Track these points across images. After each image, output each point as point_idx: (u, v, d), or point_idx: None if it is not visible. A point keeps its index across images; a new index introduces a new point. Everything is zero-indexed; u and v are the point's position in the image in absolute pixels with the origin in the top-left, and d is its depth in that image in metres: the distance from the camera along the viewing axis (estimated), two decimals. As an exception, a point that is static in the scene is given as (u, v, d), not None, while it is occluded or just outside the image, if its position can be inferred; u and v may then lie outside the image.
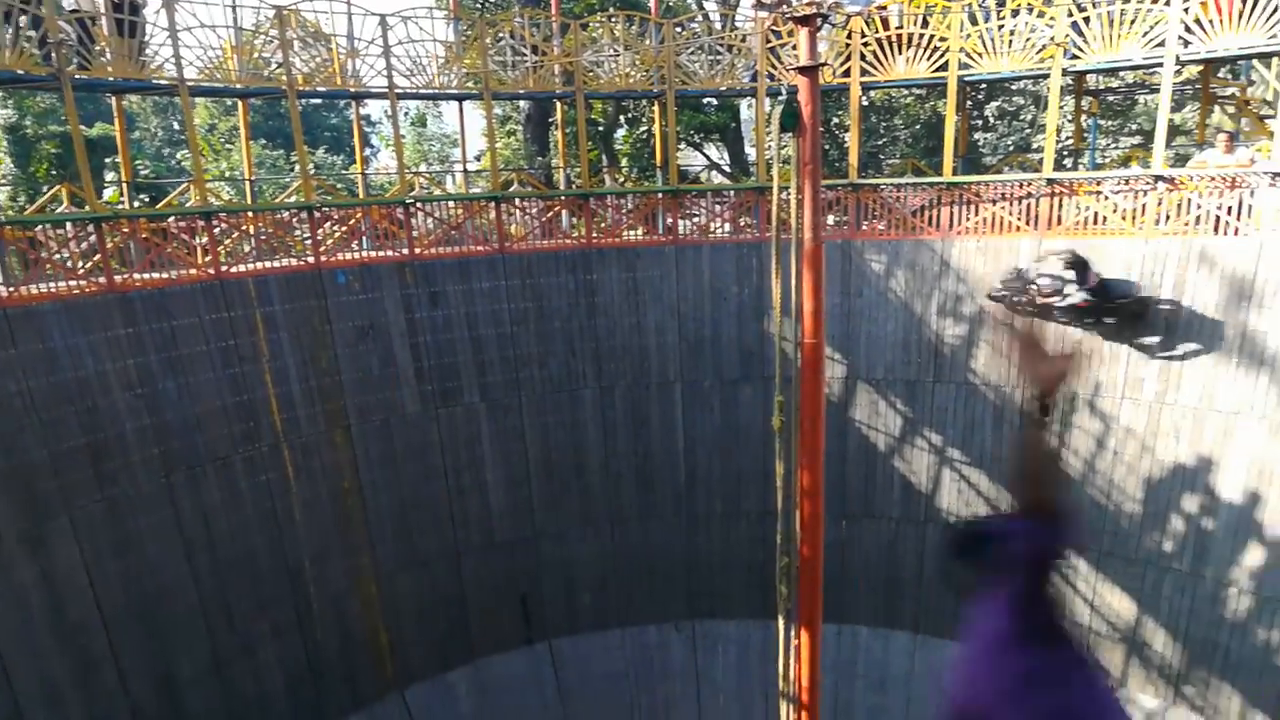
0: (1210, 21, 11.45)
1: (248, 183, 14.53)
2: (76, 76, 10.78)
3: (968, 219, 13.56)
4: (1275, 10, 10.88)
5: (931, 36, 13.45)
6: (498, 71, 14.28)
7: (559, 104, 16.61)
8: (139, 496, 10.73)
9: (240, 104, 14.20)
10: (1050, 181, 12.90)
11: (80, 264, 10.98)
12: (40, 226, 11.02)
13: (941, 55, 13.41)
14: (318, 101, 35.16)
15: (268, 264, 12.64)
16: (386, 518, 13.38)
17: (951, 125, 13.88)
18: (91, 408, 10.29)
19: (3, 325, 9.57)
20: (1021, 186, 13.28)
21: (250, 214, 12.96)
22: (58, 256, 10.86)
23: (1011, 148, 23.49)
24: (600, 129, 23.43)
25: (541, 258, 14.30)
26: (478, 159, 24.37)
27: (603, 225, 15.08)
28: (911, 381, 13.90)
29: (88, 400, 10.26)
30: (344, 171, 28.46)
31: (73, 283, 10.57)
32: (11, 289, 9.99)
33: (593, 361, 14.50)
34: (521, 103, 22.04)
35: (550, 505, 14.61)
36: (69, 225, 11.17)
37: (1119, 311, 12.12)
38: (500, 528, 14.33)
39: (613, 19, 14.96)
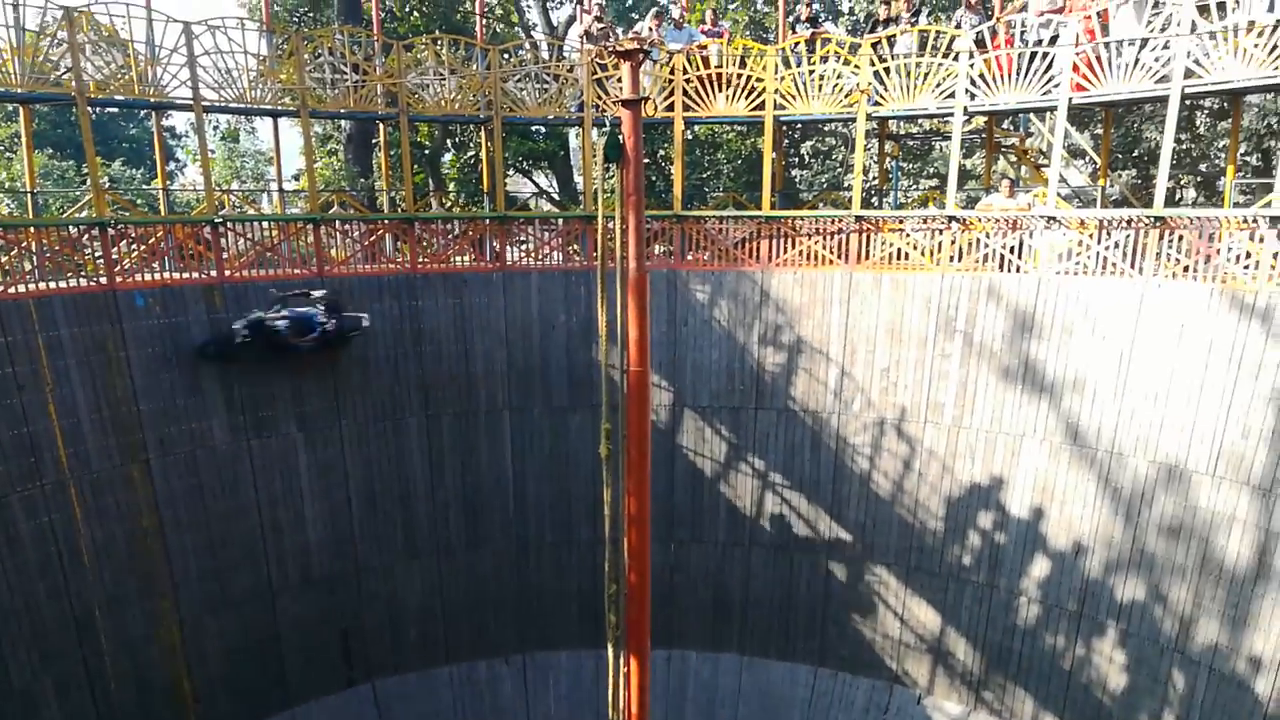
0: (993, 78, 12.61)
1: (29, 195, 13.27)
2: None
3: (786, 251, 14.21)
4: (1045, 71, 12.13)
5: (749, 77, 14.10)
6: (316, 88, 13.76)
7: (382, 125, 16.19)
8: (-109, 545, 9.49)
9: (22, 109, 12.99)
10: (859, 218, 13.73)
11: None
12: None
13: (759, 95, 14.08)
14: (114, 110, 32.69)
15: (52, 284, 11.55)
16: (192, 557, 12.43)
17: (769, 162, 14.55)
18: None
19: None
20: (834, 222, 14.07)
21: (32, 229, 11.82)
22: None
23: (825, 185, 24.89)
24: (427, 152, 23.02)
25: (364, 282, 13.82)
26: (295, 178, 23.36)
27: (429, 250, 14.76)
28: (735, 408, 14.36)
29: None
30: (144, 186, 26.55)
31: None
32: None
33: (419, 389, 14.11)
34: (343, 123, 21.33)
35: (373, 538, 14.04)
36: None
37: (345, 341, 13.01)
38: (319, 563, 13.63)
39: (438, 42, 14.76)
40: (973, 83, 12.76)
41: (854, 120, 14.10)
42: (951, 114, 13.23)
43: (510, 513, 14.75)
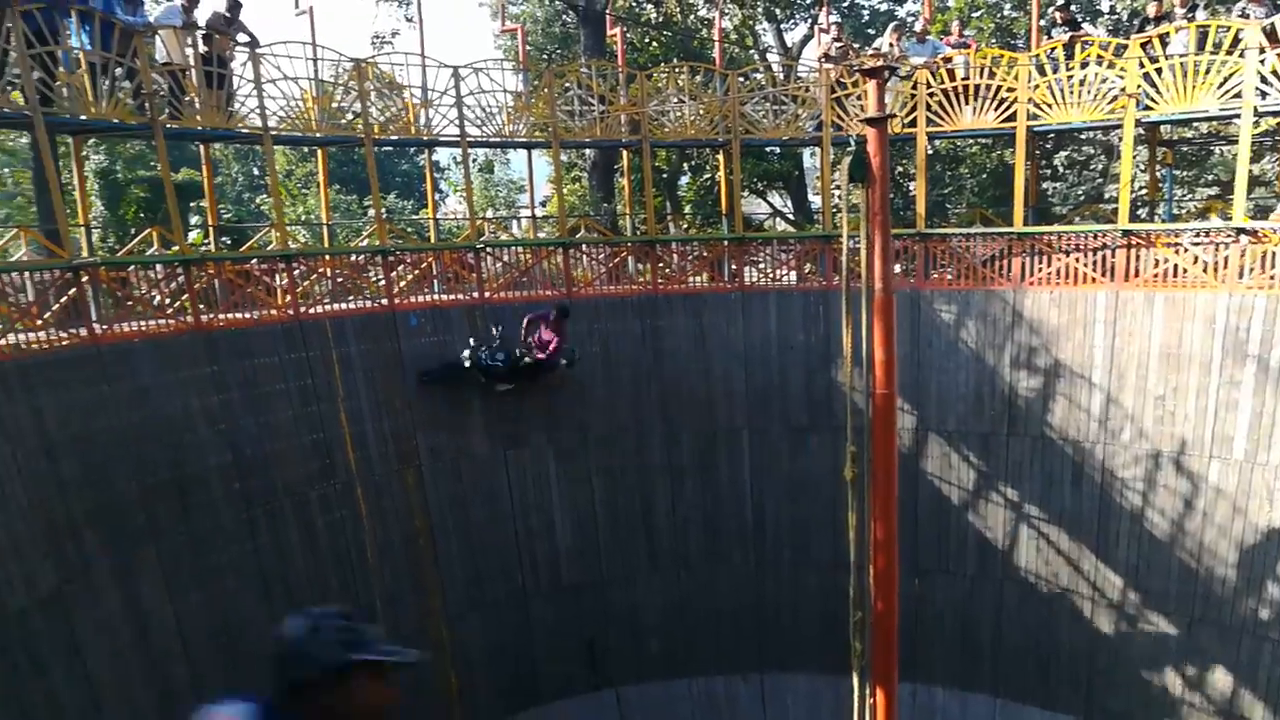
0: (1291, 73, 11.25)
1: (325, 227, 15.00)
2: (169, 126, 11.28)
3: (1040, 269, 13.36)
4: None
5: (998, 87, 13.42)
6: (565, 120, 14.58)
7: (624, 151, 16.88)
8: (220, 530, 10.97)
9: (319, 152, 14.72)
10: (1127, 233, 12.67)
11: (168, 303, 11.39)
12: (132, 267, 11.48)
13: (1009, 106, 13.36)
14: (390, 149, 36.25)
15: (343, 305, 12.98)
16: (456, 559, 13.46)
17: (1021, 175, 13.76)
18: (178, 443, 10.58)
19: (97, 361, 9.94)
20: (1096, 238, 13.07)
21: (327, 257, 13.34)
22: (148, 296, 11.28)
23: (1083, 198, 23.18)
24: (665, 176, 23.73)
25: (608, 303, 14.44)
26: (543, 205, 24.82)
27: (668, 271, 15.19)
28: (985, 434, 13.63)
29: (174, 436, 10.56)
30: (414, 216, 29.17)
31: (161, 321, 10.96)
32: (105, 327, 10.38)
33: (659, 407, 14.52)
34: (587, 151, 22.45)
35: (617, 550, 14.57)
36: (158, 267, 11.63)
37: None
38: (567, 572, 14.32)
39: (678, 70, 15.22)
40: (1264, 80, 11.44)
41: (1118, 127, 13.07)
42: (1237, 115, 11.94)
43: (749, 531, 14.80)
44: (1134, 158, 13.62)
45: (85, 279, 10.30)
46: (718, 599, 14.88)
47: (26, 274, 10.10)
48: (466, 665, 13.57)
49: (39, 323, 9.79)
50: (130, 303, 10.99)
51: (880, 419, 8.26)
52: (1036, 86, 13.19)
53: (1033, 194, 15.64)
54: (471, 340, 13.04)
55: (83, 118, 10.44)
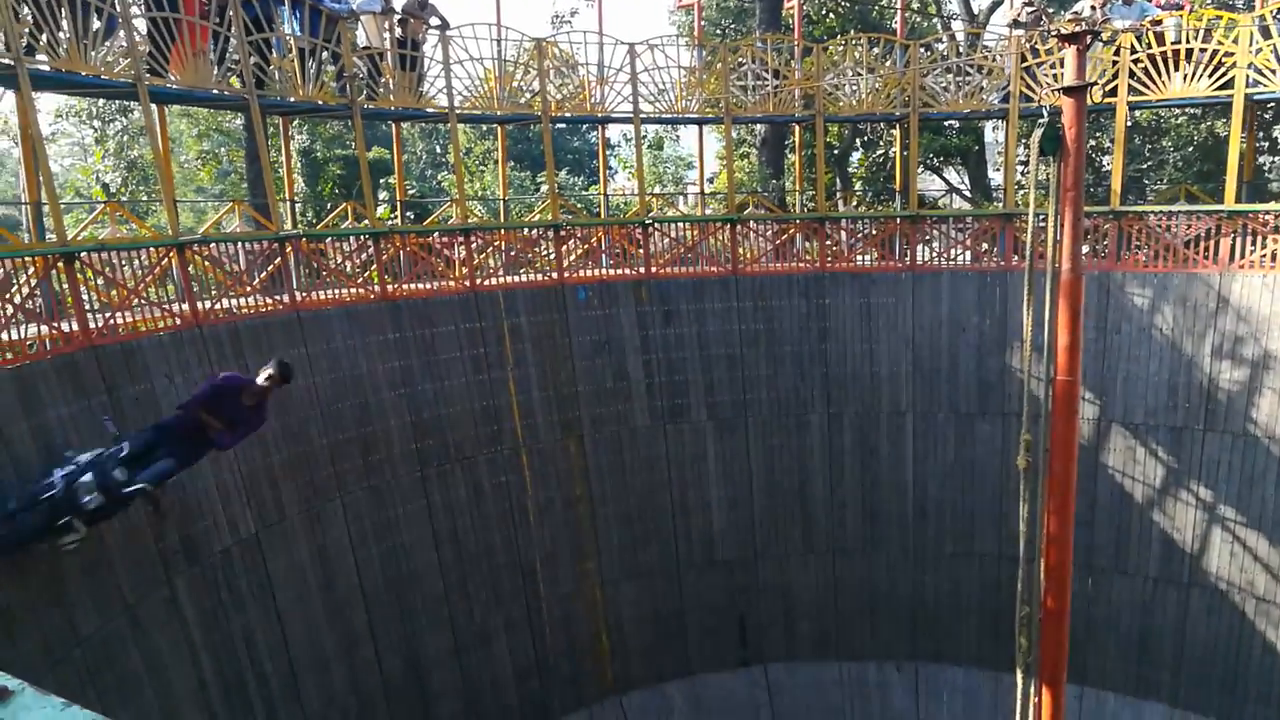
0: None
1: (502, 202, 15.61)
2: (365, 106, 12.04)
3: (1253, 252, 12.21)
4: None
5: (1215, 52, 12.27)
6: (738, 96, 14.49)
7: (796, 127, 16.60)
8: (398, 487, 11.74)
9: (499, 129, 15.30)
10: (1359, 211, 11.38)
11: (358, 273, 12.21)
12: (329, 239, 12.37)
13: (1226, 71, 12.20)
14: (562, 126, 37.19)
15: (515, 278, 13.50)
16: (613, 527, 13.84)
17: (1236, 148, 12.56)
18: (363, 404, 11.39)
19: (296, 326, 10.80)
20: (1321, 216, 11.80)
21: (502, 231, 13.89)
22: (341, 266, 12.13)
23: (1306, 173, 20.94)
24: (835, 152, 23.19)
25: (774, 280, 14.32)
26: (710, 181, 24.81)
27: (836, 249, 14.89)
28: (1177, 428, 12.65)
29: (360, 397, 11.37)
30: (583, 192, 29.84)
31: (352, 290, 11.77)
32: (304, 294, 11.26)
33: (821, 387, 14.31)
34: (758, 126, 22.23)
35: (772, 528, 14.54)
36: (351, 239, 12.47)
37: None
38: (721, 546, 14.43)
39: (855, 41, 14.79)
40: None
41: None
42: None
43: (909, 517, 14.41)
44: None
45: (289, 250, 11.20)
46: (873, 584, 14.60)
47: (240, 245, 11.06)
48: (619, 629, 13.96)
49: (247, 289, 10.73)
50: (325, 273, 11.86)
51: (1061, 407, 7.86)
52: (1259, 50, 11.98)
53: (1248, 169, 14.26)
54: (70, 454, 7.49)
55: (291, 100, 11.31)
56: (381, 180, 24.85)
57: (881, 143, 22.96)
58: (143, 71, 9.01)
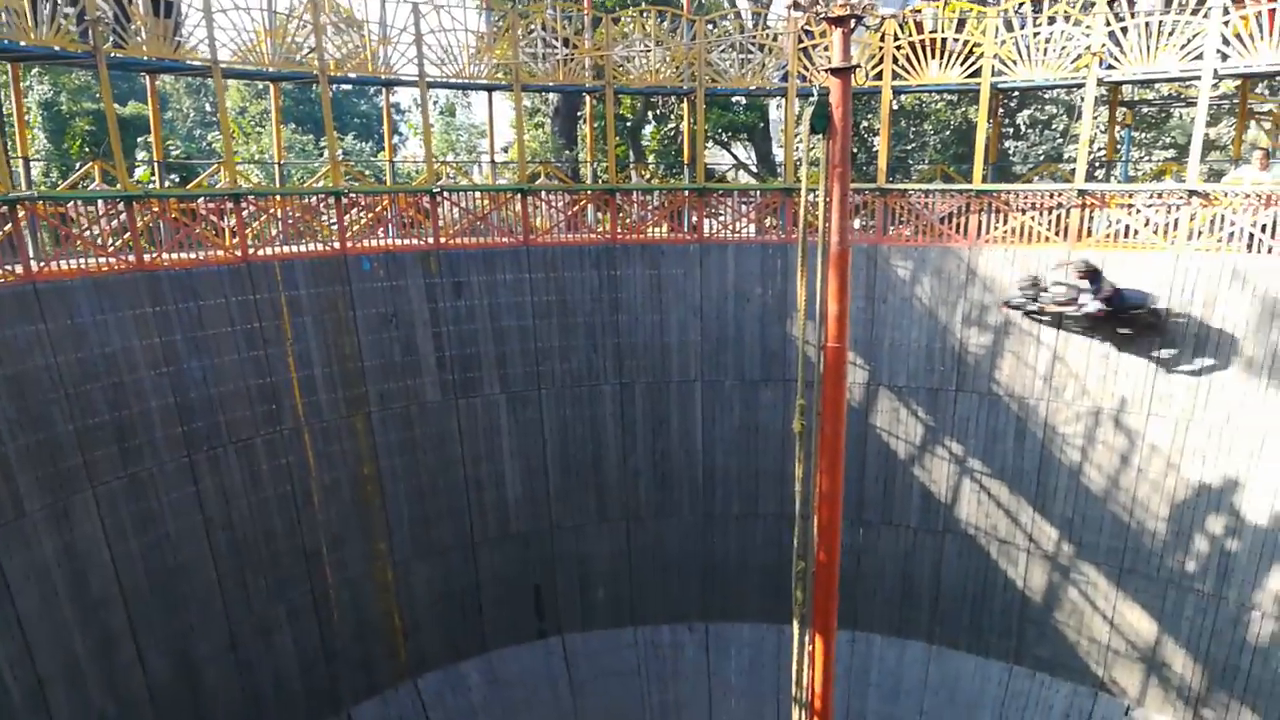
0: (1250, 36, 11.29)
1: (277, 166, 14.61)
2: (112, 55, 10.85)
3: (996, 227, 13.44)
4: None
5: (966, 42, 13.34)
6: (528, 63, 14.27)
7: (588, 98, 16.59)
8: (161, 474, 10.82)
9: (272, 87, 14.29)
10: (1082, 193, 12.76)
11: (110, 241, 11.06)
12: (72, 203, 11.11)
13: (975, 61, 13.30)
14: (347, 88, 35.31)
15: (294, 248, 12.70)
16: (404, 505, 13.43)
17: (983, 132, 13.75)
18: (118, 384, 10.38)
19: (33, 300, 9.66)
20: (1052, 196, 13.14)
21: (278, 198, 13.02)
22: (88, 233, 10.94)
23: (1042, 157, 23.27)
24: (628, 125, 23.39)
25: (566, 251, 14.29)
26: (505, 150, 24.41)
27: (628, 221, 15.05)
28: (934, 390, 13.80)
29: (114, 377, 10.35)
30: (372, 158, 28.57)
31: (102, 260, 10.65)
32: (42, 264, 10.07)
33: (614, 357, 14.49)
34: (550, 96, 22.04)
35: (567, 499, 14.62)
36: (100, 203, 11.26)
37: (1133, 322, 12.09)
38: (516, 519, 14.36)
39: (645, 14, 14.92)
40: (1225, 42, 11.48)
41: (1081, 86, 13.07)
42: (1197, 77, 11.99)
43: (698, 483, 14.92)
44: (1095, 118, 13.65)
45: (22, 214, 9.96)
46: (665, 549, 15.05)
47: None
48: (411, 608, 13.64)
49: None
50: (68, 239, 10.65)
51: (831, 372, 8.26)
52: (1003, 42, 13.12)
53: (993, 152, 15.66)
54: None
55: (21, 44, 10.01)
56: (141, 139, 22.67)
57: (673, 116, 23.39)
58: None
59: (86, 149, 20.65)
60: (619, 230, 14.70)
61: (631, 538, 14.94)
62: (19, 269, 9.71)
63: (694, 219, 14.95)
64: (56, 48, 10.29)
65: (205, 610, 11.36)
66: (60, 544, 9.72)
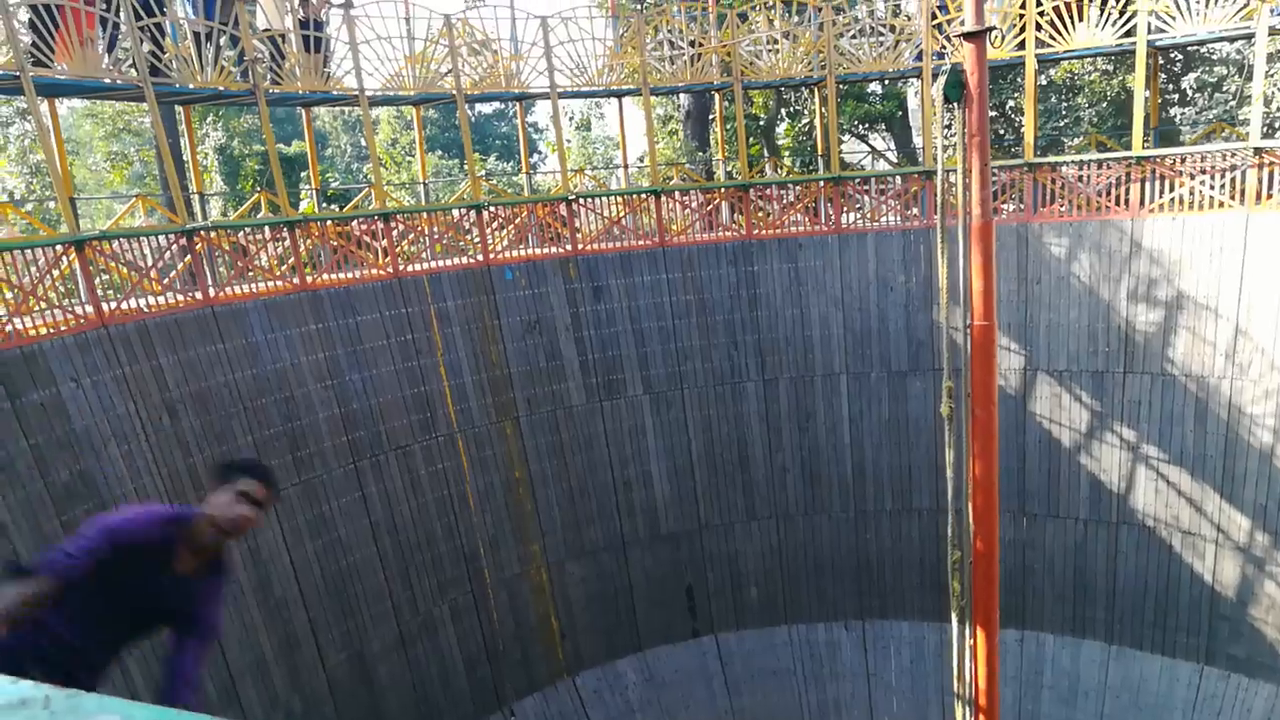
0: None
1: (423, 185, 15.33)
2: (270, 91, 11.69)
3: (1162, 196, 12.51)
4: None
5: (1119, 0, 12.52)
6: (656, 67, 14.40)
7: (718, 99, 16.58)
8: (330, 481, 11.50)
9: (415, 112, 15.01)
10: (1258, 150, 11.70)
11: (277, 266, 11.89)
12: (242, 230, 12.01)
13: (1129, 19, 12.45)
14: (489, 111, 36.73)
15: (441, 263, 13.27)
16: (555, 508, 13.75)
17: (1141, 94, 12.85)
18: (289, 398, 11.11)
19: (212, 322, 10.48)
20: (1225, 158, 12.12)
21: (425, 215, 13.64)
22: (258, 259, 11.79)
23: (1213, 121, 21.55)
24: (761, 124, 23.25)
25: (702, 250, 14.30)
26: (641, 160, 24.69)
27: (764, 217, 14.92)
28: (1099, 372, 12.96)
29: (285, 391, 11.09)
30: (513, 176, 29.54)
31: (271, 283, 11.46)
32: (218, 290, 10.93)
33: (755, 354, 14.36)
34: (681, 100, 22.17)
35: (715, 499, 14.58)
36: (266, 229, 12.13)
37: None
38: (665, 520, 14.44)
39: (770, 6, 14.79)
40: None
41: (1249, 38, 12.03)
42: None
43: (848, 478, 14.56)
44: (1268, 75, 12.52)
45: (199, 244, 10.84)
46: (817, 547, 14.76)
47: (145, 240, 10.66)
48: (567, 609, 13.91)
49: (158, 287, 10.37)
50: (239, 266, 11.52)
51: (979, 351, 7.91)
52: (1159, -5, 12.26)
53: (1154, 117, 14.61)
54: None
55: (190, 87, 10.92)
56: (304, 174, 24.27)
57: (807, 112, 23.07)
58: (25, 62, 8.61)
59: (257, 187, 22.30)
60: (754, 226, 14.59)
61: (782, 536, 14.74)
62: (199, 294, 10.55)
63: (830, 210, 14.65)
64: (220, 88, 11.16)
65: (376, 610, 11.97)
66: (245, 549, 10.46)
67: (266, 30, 11.87)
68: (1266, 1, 11.43)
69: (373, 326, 12.15)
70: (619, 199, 14.66)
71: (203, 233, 10.95)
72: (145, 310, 9.96)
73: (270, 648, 10.66)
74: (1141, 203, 12.61)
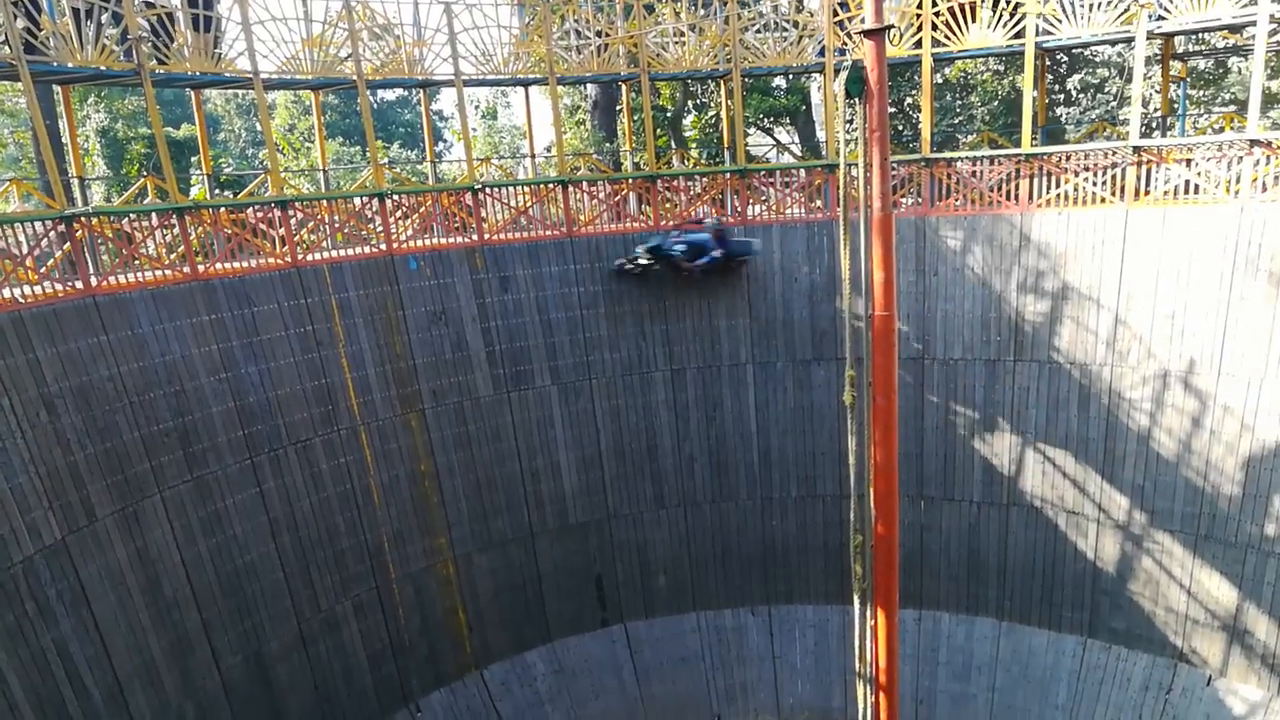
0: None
1: (323, 173, 14.88)
2: (156, 71, 11.15)
3: (1049, 191, 13.08)
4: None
5: (1008, 2, 13.01)
6: (562, 56, 14.30)
7: (625, 90, 16.58)
8: (225, 477, 11.08)
9: (314, 97, 14.55)
10: (1137, 149, 12.35)
11: (165, 254, 11.36)
12: (128, 217, 11.43)
13: (1018, 22, 12.97)
14: (392, 98, 35.87)
15: (342, 252, 12.91)
16: (462, 500, 13.57)
17: (1029, 94, 13.40)
18: (179, 391, 10.65)
19: (94, 313, 9.95)
20: (1106, 156, 12.75)
21: (325, 203, 13.24)
22: (144, 248, 11.24)
23: (1095, 121, 22.64)
24: (668, 116, 23.33)
25: (610, 240, 14.29)
26: (548, 149, 24.50)
27: (671, 208, 14.99)
28: (991, 361, 13.49)
29: (175, 384, 10.62)
30: (417, 164, 28.97)
31: (159, 272, 10.95)
32: (100, 278, 10.37)
33: (663, 344, 14.44)
34: (589, 91, 22.08)
35: (623, 488, 14.63)
36: (154, 215, 11.57)
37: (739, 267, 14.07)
38: (574, 510, 14.41)
39: (676, 0, 14.85)
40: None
41: (1131, 41, 12.66)
42: (1253, 22, 11.52)
43: (755, 466, 14.80)
44: (1147, 75, 13.20)
45: (79, 231, 10.27)
46: (724, 534, 14.97)
47: (19, 227, 10.05)
48: (475, 602, 13.78)
49: (34, 276, 9.79)
50: (124, 254, 10.96)
51: (879, 341, 8.10)
52: (1047, 1, 12.77)
53: (1042, 116, 15.25)
54: None
55: (69, 65, 10.33)
56: (194, 159, 23.27)
57: (714, 104, 23.25)
58: (-121, 32, 8.00)
59: (143, 171, 21.28)
60: (662, 217, 14.65)
61: (690, 524, 14.89)
62: (79, 284, 10.01)
63: (737, 202, 14.82)
64: (102, 67, 10.59)
65: (274, 609, 11.62)
66: (133, 548, 10.01)
67: (150, 5, 11.29)
68: (1145, 7, 12.04)
69: (270, 317, 11.74)
70: (526, 189, 14.52)
71: (83, 219, 10.38)
72: (20, 301, 9.40)
73: (160, 651, 10.24)
74: (1030, 198, 13.16)
